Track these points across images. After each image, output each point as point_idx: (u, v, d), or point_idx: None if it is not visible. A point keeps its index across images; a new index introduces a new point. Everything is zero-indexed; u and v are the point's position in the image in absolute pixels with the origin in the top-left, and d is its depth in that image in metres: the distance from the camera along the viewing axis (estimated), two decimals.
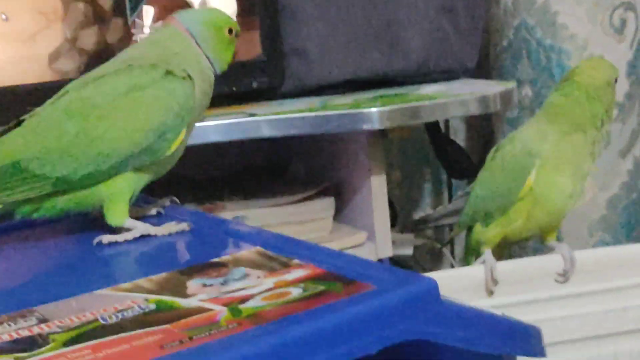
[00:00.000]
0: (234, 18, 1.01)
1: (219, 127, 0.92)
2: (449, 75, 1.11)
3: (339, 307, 0.46)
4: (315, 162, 1.12)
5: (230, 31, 0.69)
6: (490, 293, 0.80)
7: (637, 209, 1.24)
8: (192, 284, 0.53)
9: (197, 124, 0.91)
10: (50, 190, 0.63)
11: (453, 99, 0.95)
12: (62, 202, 0.64)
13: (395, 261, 1.31)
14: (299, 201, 1.04)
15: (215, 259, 0.56)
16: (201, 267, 0.55)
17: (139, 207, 0.68)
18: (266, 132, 0.92)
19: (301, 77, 1.07)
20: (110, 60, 0.66)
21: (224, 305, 0.48)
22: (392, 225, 1.29)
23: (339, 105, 0.97)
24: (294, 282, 0.51)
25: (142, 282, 0.54)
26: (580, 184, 0.81)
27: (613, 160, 1.21)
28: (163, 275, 0.54)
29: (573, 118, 0.80)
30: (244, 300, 0.49)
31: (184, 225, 0.63)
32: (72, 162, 0.62)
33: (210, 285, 0.52)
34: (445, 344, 0.48)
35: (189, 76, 0.65)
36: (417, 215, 1.35)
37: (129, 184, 0.64)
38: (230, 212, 1.01)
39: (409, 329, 0.47)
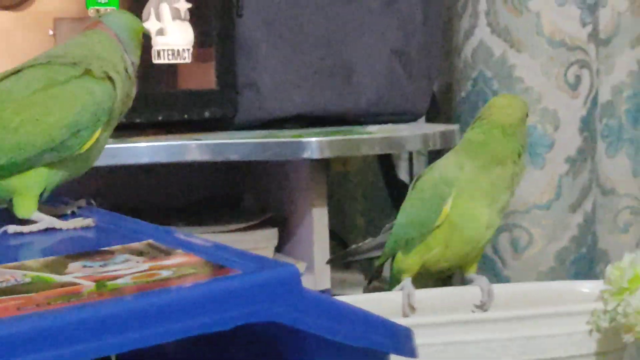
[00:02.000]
0: (190, 48, 1.06)
1: (159, 148, 0.94)
2: (399, 117, 1.14)
3: (198, 285, 0.48)
4: (265, 194, 1.15)
5: (143, 36, 0.72)
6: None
7: (586, 264, 1.25)
8: (73, 265, 0.54)
9: (139, 144, 0.94)
10: None
11: (392, 134, 0.97)
12: None
13: None
14: (242, 230, 1.06)
15: (105, 248, 0.58)
16: (89, 253, 0.57)
17: (54, 207, 0.70)
18: (206, 156, 0.95)
19: (253, 110, 1.09)
20: (32, 58, 0.69)
21: (94, 281, 0.50)
22: (346, 266, 1.31)
23: (282, 135, 0.99)
24: (168, 267, 0.53)
25: (29, 262, 0.56)
26: (497, 215, 0.83)
27: (563, 213, 1.22)
28: (50, 258, 0.56)
29: (492, 154, 0.82)
30: (114, 278, 0.51)
31: (89, 221, 0.65)
32: None
33: (90, 266, 0.54)
34: (305, 330, 0.49)
35: (110, 78, 0.67)
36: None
37: (40, 179, 0.66)
38: None
39: (266, 311, 0.48)
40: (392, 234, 0.87)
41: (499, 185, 0.82)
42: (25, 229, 0.64)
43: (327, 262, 1.01)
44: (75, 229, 0.65)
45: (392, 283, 0.88)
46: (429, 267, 0.85)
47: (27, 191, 0.65)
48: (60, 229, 0.65)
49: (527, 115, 0.85)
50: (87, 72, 0.66)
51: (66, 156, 0.66)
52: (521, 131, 0.84)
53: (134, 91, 0.71)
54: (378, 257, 0.92)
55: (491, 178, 0.82)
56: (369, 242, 0.93)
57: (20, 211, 0.65)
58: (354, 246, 0.94)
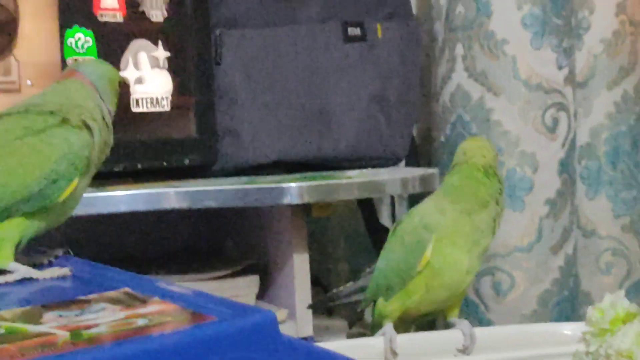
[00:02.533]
0: (169, 96, 1.06)
1: (137, 196, 0.94)
2: (379, 162, 1.14)
3: (174, 333, 0.47)
4: (246, 241, 1.14)
5: (119, 84, 0.73)
6: None
7: (569, 306, 1.25)
8: (49, 315, 0.54)
9: (117, 193, 0.94)
10: None
11: (372, 179, 0.97)
12: None
13: None
14: (223, 277, 1.05)
15: (82, 297, 0.57)
16: (65, 302, 0.56)
17: (30, 256, 0.69)
18: (185, 203, 0.94)
19: (233, 157, 1.09)
20: (8, 107, 0.69)
21: (69, 330, 0.50)
22: (329, 312, 1.31)
23: (262, 182, 0.99)
24: (144, 315, 0.52)
25: (3, 313, 0.55)
26: (477, 260, 0.83)
27: (545, 255, 1.22)
28: (26, 308, 0.56)
29: (477, 197, 0.83)
30: (89, 327, 0.50)
31: (66, 270, 0.65)
32: None
33: (66, 316, 0.53)
34: None
35: (87, 126, 0.67)
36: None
37: (18, 228, 0.65)
38: None
39: (244, 358, 0.47)
40: (372, 280, 0.87)
41: (481, 228, 0.82)
42: (0, 279, 0.64)
43: (308, 307, 1.00)
44: (51, 278, 0.64)
45: (373, 328, 0.87)
46: (410, 312, 0.85)
47: (4, 241, 0.65)
48: (37, 279, 0.64)
49: (496, 155, 0.86)
50: (65, 121, 0.66)
51: (44, 205, 0.65)
52: (498, 171, 0.85)
53: (111, 139, 0.71)
54: (359, 301, 0.91)
55: (474, 222, 0.82)
56: (350, 286, 0.92)
57: None
58: (334, 290, 0.93)
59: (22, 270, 0.64)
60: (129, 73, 1.04)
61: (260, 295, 1.08)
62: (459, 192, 0.84)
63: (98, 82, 0.71)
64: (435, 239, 0.81)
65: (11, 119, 0.66)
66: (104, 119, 0.70)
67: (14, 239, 0.65)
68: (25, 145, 0.65)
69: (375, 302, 0.87)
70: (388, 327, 0.82)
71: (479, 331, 0.83)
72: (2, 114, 0.67)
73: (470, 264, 0.82)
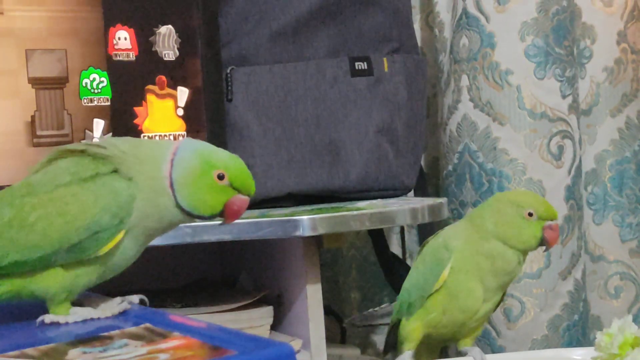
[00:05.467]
0: (183, 133, 1.08)
1: None
2: (388, 192, 1.16)
3: None
4: (260, 273, 1.16)
5: (221, 177, 0.67)
6: None
7: (579, 331, 1.26)
8: (73, 352, 0.56)
9: None
10: None
11: (382, 210, 0.99)
12: (2, 289, 0.64)
13: None
14: (237, 309, 1.07)
15: (104, 333, 0.60)
16: (89, 339, 0.59)
17: (98, 298, 0.70)
18: (199, 237, 0.96)
19: None
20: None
21: None
22: (342, 341, 1.32)
23: (275, 214, 1.01)
24: (165, 350, 0.54)
25: (29, 351, 0.57)
26: (494, 291, 0.85)
27: (554, 281, 1.24)
28: (51, 345, 0.58)
29: (475, 225, 0.86)
30: None
31: (125, 304, 0.67)
32: (2, 247, 0.63)
33: (90, 352, 0.55)
34: None
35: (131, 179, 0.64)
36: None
37: (62, 281, 0.64)
38: None
39: None
40: (398, 299, 0.90)
41: (484, 262, 0.85)
42: (61, 319, 0.64)
43: (356, 325, 1.02)
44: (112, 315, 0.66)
45: (398, 351, 0.90)
46: (430, 335, 0.87)
47: (54, 297, 0.64)
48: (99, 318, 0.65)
49: (530, 214, 0.85)
50: (115, 171, 0.64)
51: (82, 258, 0.64)
52: (501, 217, 0.85)
53: (161, 215, 0.65)
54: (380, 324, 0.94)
55: (478, 252, 0.85)
56: (385, 307, 0.95)
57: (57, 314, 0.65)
58: (370, 310, 0.97)
59: (83, 313, 0.65)
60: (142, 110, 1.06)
61: (275, 326, 1.10)
62: (470, 219, 0.88)
63: (180, 154, 0.65)
64: (453, 261, 0.84)
65: (64, 161, 0.65)
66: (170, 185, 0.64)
67: (61, 295, 0.64)
68: (68, 193, 0.63)
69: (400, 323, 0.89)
70: (407, 354, 0.85)
71: (491, 358, 0.85)
72: (61, 150, 0.65)
73: (487, 294, 0.85)
